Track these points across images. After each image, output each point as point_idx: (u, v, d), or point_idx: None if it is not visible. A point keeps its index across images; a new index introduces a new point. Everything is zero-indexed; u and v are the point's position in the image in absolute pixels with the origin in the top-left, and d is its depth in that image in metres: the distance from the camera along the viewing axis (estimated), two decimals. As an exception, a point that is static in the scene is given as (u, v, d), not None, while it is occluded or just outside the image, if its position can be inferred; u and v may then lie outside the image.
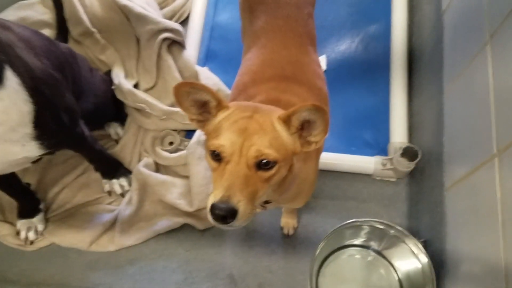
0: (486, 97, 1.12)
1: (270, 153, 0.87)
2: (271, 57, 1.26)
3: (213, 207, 0.84)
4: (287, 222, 1.67)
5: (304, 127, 0.93)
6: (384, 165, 1.69)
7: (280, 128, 0.91)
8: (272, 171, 0.89)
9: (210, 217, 0.86)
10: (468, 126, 1.24)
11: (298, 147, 0.94)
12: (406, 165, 1.62)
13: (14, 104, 1.10)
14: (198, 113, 0.97)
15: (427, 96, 1.66)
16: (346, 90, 1.94)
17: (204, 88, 0.90)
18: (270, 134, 0.88)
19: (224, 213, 0.83)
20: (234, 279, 1.63)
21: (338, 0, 2.12)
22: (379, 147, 1.81)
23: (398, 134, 1.77)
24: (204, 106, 0.95)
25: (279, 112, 0.94)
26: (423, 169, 1.59)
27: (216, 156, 0.89)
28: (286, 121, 0.91)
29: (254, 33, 1.34)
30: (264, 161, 0.87)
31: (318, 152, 1.27)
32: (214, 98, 0.92)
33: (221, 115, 0.93)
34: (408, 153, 1.61)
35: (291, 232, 1.67)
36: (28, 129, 1.16)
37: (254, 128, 0.88)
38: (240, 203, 0.83)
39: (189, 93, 0.91)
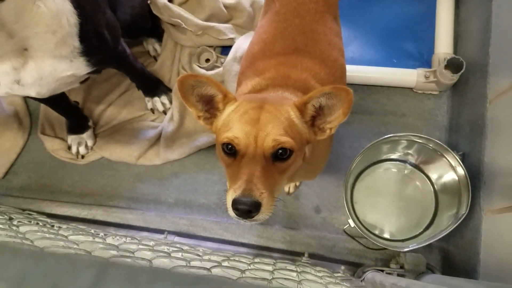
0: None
1: (287, 141, 0.83)
2: (283, 26, 1.16)
3: (235, 202, 0.79)
4: None
5: (318, 114, 0.88)
6: (427, 77, 1.63)
7: (295, 116, 0.87)
8: (289, 161, 0.86)
9: (232, 213, 0.82)
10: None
11: (312, 135, 0.90)
12: (449, 78, 1.55)
13: (64, 12, 1.13)
14: (205, 110, 0.93)
15: (475, 2, 1.53)
16: (389, -2, 1.82)
17: (209, 81, 0.86)
18: (284, 122, 0.84)
19: (249, 207, 0.79)
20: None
21: None
22: (423, 58, 1.73)
23: (443, 45, 1.68)
24: (210, 103, 0.91)
25: (289, 100, 0.89)
26: (467, 81, 1.52)
27: (230, 150, 0.86)
28: (301, 108, 0.86)
29: None
30: (281, 150, 0.84)
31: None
32: (219, 91, 0.88)
33: (229, 109, 0.89)
34: (452, 64, 1.54)
35: None
36: (75, 42, 1.19)
37: (267, 118, 0.83)
38: (263, 195, 0.80)
39: (194, 87, 0.87)
